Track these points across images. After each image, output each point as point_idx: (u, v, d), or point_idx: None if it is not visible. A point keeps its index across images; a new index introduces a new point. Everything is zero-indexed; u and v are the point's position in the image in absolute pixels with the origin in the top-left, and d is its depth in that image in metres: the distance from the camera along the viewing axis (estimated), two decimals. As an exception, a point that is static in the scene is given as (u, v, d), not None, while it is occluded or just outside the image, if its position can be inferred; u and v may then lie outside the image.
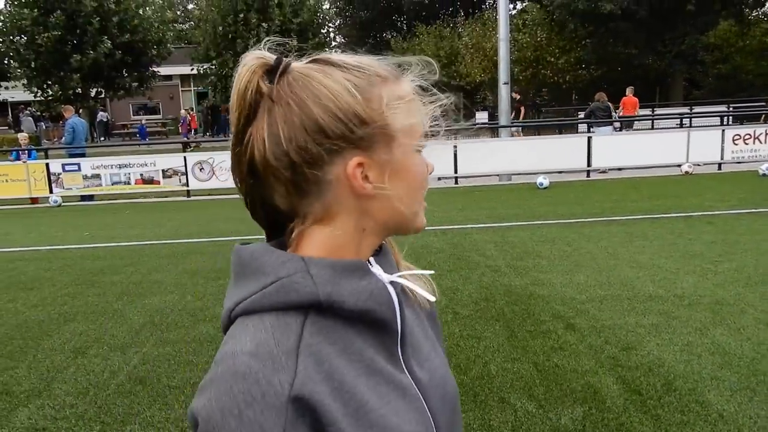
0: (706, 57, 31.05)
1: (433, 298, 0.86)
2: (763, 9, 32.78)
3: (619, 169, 13.65)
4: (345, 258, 0.78)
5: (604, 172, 13.70)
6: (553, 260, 6.59)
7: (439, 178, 13.12)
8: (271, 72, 0.76)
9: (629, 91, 18.50)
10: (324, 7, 34.10)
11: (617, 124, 16.13)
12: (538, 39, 27.33)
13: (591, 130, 14.35)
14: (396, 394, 0.78)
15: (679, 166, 13.16)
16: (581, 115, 18.72)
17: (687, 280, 5.72)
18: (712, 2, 27.88)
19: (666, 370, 3.97)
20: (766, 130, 13.66)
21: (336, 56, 0.78)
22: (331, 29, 37.89)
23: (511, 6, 38.61)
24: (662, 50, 28.23)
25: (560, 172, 13.39)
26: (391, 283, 0.81)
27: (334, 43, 38.93)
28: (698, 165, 13.27)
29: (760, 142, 13.38)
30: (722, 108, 23.67)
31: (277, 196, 0.78)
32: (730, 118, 19.97)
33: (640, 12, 26.86)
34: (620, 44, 29.24)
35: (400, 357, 0.81)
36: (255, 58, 0.77)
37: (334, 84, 0.74)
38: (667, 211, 8.97)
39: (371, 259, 0.83)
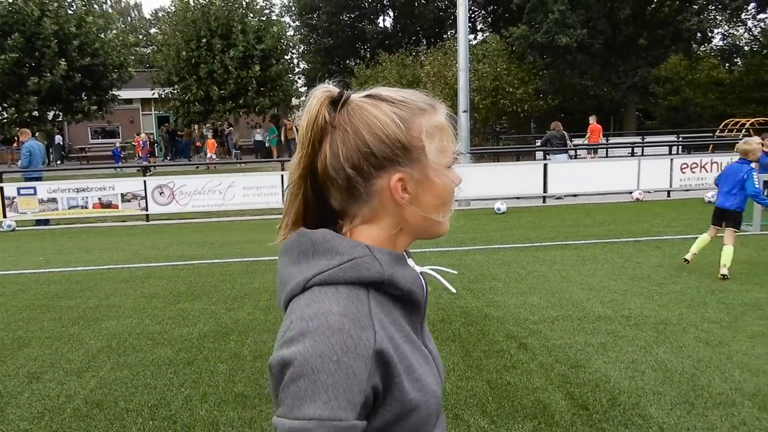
0: (658, 89, 32.29)
1: (453, 290, 1.12)
2: (710, 45, 34.33)
3: (574, 195, 14.07)
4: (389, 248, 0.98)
5: (559, 198, 14.09)
6: (508, 283, 6.79)
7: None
8: (335, 103, 0.95)
9: (593, 119, 19.90)
10: (288, 33, 34.40)
11: (572, 152, 16.65)
12: (498, 69, 28.02)
13: (547, 157, 14.76)
14: (424, 360, 0.98)
15: (631, 193, 13.63)
16: (539, 142, 19.25)
17: (634, 302, 5.96)
18: (662, 37, 29.13)
19: (612, 386, 4.15)
20: (711, 159, 14.28)
21: (386, 91, 0.98)
22: (294, 56, 38.19)
23: (472, 36, 39.60)
24: (616, 82, 29.25)
25: (517, 198, 13.74)
26: (420, 273, 1.03)
27: (297, 69, 39.23)
28: (648, 192, 13.77)
29: (707, 171, 13.97)
30: (672, 138, 24.60)
31: (332, 199, 0.98)
32: (679, 147, 20.77)
33: (595, 45, 27.87)
34: (576, 75, 30.20)
35: (420, 333, 1.02)
36: (323, 90, 0.97)
37: (383, 116, 0.94)
38: (618, 236, 9.30)
39: (405, 252, 1.04)
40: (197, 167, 24.31)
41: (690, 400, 3.90)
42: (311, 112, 0.94)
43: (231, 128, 30.17)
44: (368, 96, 0.97)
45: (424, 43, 38.16)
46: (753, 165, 6.88)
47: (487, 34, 37.74)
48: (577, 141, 20.42)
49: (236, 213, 13.49)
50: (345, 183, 0.94)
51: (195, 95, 27.71)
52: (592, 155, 20.38)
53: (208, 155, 26.28)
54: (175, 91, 29.07)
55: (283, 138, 28.24)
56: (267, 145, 28.99)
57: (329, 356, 0.83)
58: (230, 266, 8.25)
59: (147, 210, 13.39)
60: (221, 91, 27.54)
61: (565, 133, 15.48)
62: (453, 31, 39.02)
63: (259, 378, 4.50)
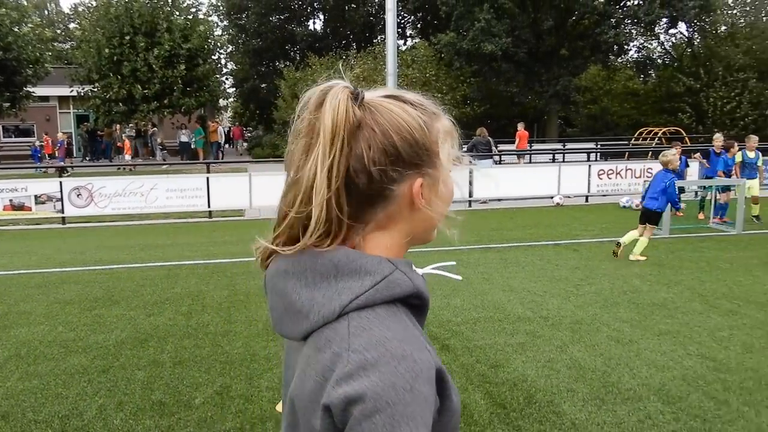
0: (578, 98, 33.59)
1: (459, 278, 1.14)
2: (626, 57, 36.04)
3: (499, 199, 14.44)
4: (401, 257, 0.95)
5: (484, 202, 14.43)
6: (432, 285, 6.88)
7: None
8: (355, 100, 0.89)
9: (521, 126, 21.35)
10: (216, 33, 33.69)
11: (497, 157, 17.08)
12: (427, 75, 28.43)
13: (472, 162, 15.05)
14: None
15: (552, 197, 14.12)
16: (464, 148, 19.61)
17: (552, 302, 6.19)
18: (582, 48, 30.33)
19: (528, 384, 4.29)
20: (626, 166, 14.98)
21: (403, 93, 0.95)
22: (222, 56, 37.44)
23: (401, 42, 39.98)
24: (540, 90, 30.23)
25: (444, 203, 13.96)
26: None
27: (225, 70, 38.48)
28: (568, 197, 14.31)
29: (622, 177, 14.66)
30: (591, 145, 25.63)
31: (344, 205, 0.89)
32: (597, 154, 21.70)
33: (520, 54, 28.72)
34: (502, 83, 31.02)
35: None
36: (343, 86, 0.89)
37: (411, 119, 0.90)
38: (539, 239, 9.62)
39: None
40: (119, 168, 23.46)
41: (601, 396, 4.08)
42: (339, 108, 0.87)
43: (155, 129, 29.26)
44: (390, 96, 0.93)
45: (354, 47, 38.24)
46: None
47: (416, 40, 38.22)
48: (502, 147, 20.99)
49: (159, 216, 13.11)
50: (366, 187, 0.88)
51: (117, 94, 26.69)
52: (518, 161, 21.01)
53: (125, 157, 25.34)
54: (96, 89, 27.93)
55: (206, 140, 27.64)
56: (193, 146, 28.30)
57: (402, 386, 0.79)
58: (151, 270, 8.01)
59: (63, 212, 12.80)
60: (145, 91, 26.66)
61: (490, 139, 15.87)
62: (383, 36, 39.29)
63: (179, 385, 4.40)
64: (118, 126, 29.36)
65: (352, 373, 0.79)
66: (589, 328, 5.43)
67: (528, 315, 5.78)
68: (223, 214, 13.26)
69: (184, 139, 27.89)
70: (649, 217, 8.08)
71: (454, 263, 1.15)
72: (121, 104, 27.02)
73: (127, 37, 26.34)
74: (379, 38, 39.42)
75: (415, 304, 0.92)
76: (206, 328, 5.64)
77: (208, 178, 13.25)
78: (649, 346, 4.97)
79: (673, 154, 8.17)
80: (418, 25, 41.42)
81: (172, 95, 27.33)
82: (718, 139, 11.98)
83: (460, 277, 1.11)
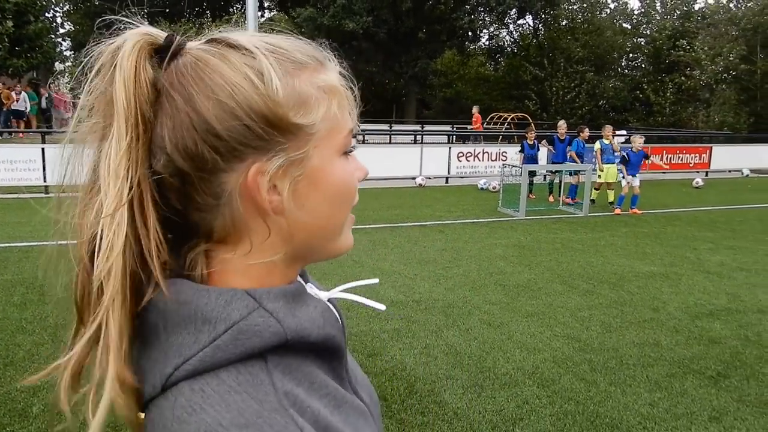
0: (435, 81, 34.55)
1: (383, 307, 0.79)
2: (478, 44, 37.59)
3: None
4: (277, 285, 0.65)
5: (347, 182, 14.31)
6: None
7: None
8: (160, 54, 0.61)
9: (475, 109, 23.45)
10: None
11: (360, 137, 17.02)
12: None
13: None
14: (363, 420, 0.69)
15: (414, 178, 14.31)
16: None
17: (423, 286, 6.16)
18: (439, 32, 31.13)
19: (408, 373, 4.18)
20: (483, 149, 15.55)
21: (239, 35, 0.63)
22: (58, 14, 33.97)
23: (259, 14, 38.72)
24: (399, 71, 30.66)
25: (307, 181, 13.66)
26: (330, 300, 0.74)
27: (61, 30, 35.04)
28: (429, 178, 14.58)
29: (479, 160, 15.19)
30: (447, 128, 26.45)
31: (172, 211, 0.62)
32: (454, 137, 22.41)
33: (380, 34, 28.86)
34: (362, 62, 31.04)
35: (347, 380, 0.72)
36: (139, 34, 0.61)
37: (232, 72, 0.59)
38: (405, 221, 9.64)
39: (298, 278, 0.71)
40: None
41: (479, 383, 4.07)
42: (127, 69, 0.59)
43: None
44: (211, 41, 0.63)
45: (209, 15, 36.41)
46: None
47: (274, 12, 37.18)
48: (364, 127, 20.97)
49: (-17, 191, 11.54)
50: (178, 182, 0.60)
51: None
52: (475, 141, 20.95)
53: None
54: None
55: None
56: (27, 112, 25.41)
57: None
58: (-26, 255, 6.96)
59: None
60: (-37, 47, 23.49)
61: (353, 117, 15.76)
62: (239, 6, 37.76)
63: (11, 390, 3.78)
64: (-71, 86, 25.61)
65: None
66: (461, 311, 5.44)
67: (401, 299, 5.70)
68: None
69: (18, 106, 24.80)
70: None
71: (377, 281, 0.88)
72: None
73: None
74: (235, 8, 37.86)
75: (301, 349, 0.64)
76: (45, 321, 4.95)
77: (43, 149, 11.86)
78: (519, 328, 5.07)
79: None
80: (277, -3, 40.29)
81: (-2, 54, 24.31)
82: (562, 126, 12.72)
83: (383, 307, 0.80)
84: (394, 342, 4.70)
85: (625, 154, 11.10)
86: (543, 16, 34.80)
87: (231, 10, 37.86)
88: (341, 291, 0.75)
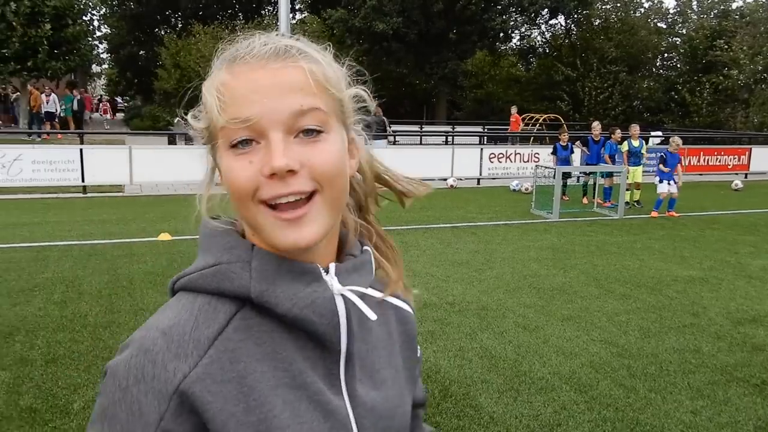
0: (465, 82, 34.35)
1: (374, 316, 0.75)
2: (509, 44, 37.29)
3: (393, 180, 14.33)
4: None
5: (378, 183, 14.28)
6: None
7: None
8: None
9: (514, 109, 22.92)
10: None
11: (391, 138, 17.00)
12: (332, 52, 27.86)
13: (367, 142, 14.86)
14: (316, 414, 0.71)
15: (445, 179, 14.24)
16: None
17: (456, 288, 6.11)
18: (470, 33, 30.95)
19: (443, 376, 4.14)
20: (515, 151, 15.41)
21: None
22: (95, 17, 34.62)
23: (291, 15, 38.99)
24: (429, 72, 30.56)
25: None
26: (344, 296, 0.75)
27: (98, 33, 35.71)
28: (461, 179, 14.50)
29: (511, 161, 15.05)
30: (478, 129, 26.28)
31: None
32: (485, 138, 22.25)
33: (410, 35, 28.81)
34: (393, 63, 31.02)
35: (342, 377, 0.75)
36: None
37: None
38: (436, 222, 9.59)
39: (332, 265, 0.75)
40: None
41: (515, 387, 4.01)
42: None
43: (18, 93, 26.54)
44: None
45: (241, 17, 36.75)
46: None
47: (305, 14, 37.39)
48: (395, 128, 20.96)
49: (23, 190, 11.80)
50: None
51: (-27, 52, 23.89)
52: (508, 142, 20.76)
53: None
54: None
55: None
56: (62, 114, 25.96)
57: (120, 381, 0.65)
58: (16, 252, 7.12)
59: None
60: (3, 50, 24.06)
61: (385, 118, 15.73)
62: (270, 8, 38.05)
63: (53, 387, 3.85)
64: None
65: (123, 344, 0.70)
66: (495, 314, 5.39)
67: (434, 301, 5.66)
68: (99, 189, 12.15)
69: (49, 108, 25.37)
70: None
71: (411, 310, 0.92)
72: (-27, 64, 24.22)
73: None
74: (266, 10, 38.17)
75: (282, 319, 0.71)
76: (84, 319, 5.04)
77: (81, 150, 12.09)
78: (555, 332, 4.99)
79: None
80: (308, -1, 40.53)
81: (37, 57, 24.88)
82: (596, 127, 12.52)
83: (374, 317, 0.75)
84: (428, 344, 4.66)
85: (663, 153, 10.87)
86: (575, 15, 34.35)
87: (263, 12, 38.19)
88: (349, 289, 0.75)
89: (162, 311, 0.72)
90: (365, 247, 0.82)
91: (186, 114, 0.77)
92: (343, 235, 0.82)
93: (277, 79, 0.68)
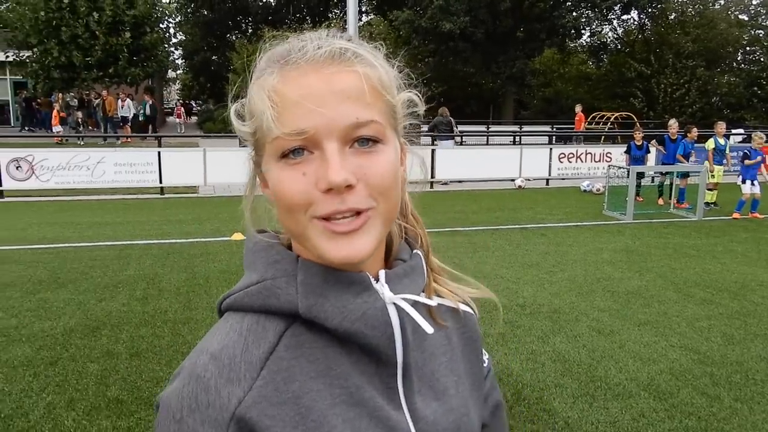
0: (533, 81, 33.78)
1: (430, 330, 0.72)
2: (579, 41, 36.40)
3: (460, 181, 14.27)
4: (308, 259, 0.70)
5: (445, 183, 14.24)
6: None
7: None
8: None
9: (578, 108, 22.29)
10: (164, 1, 32.33)
11: (458, 138, 16.90)
12: (384, 52, 28.00)
13: (434, 143, 14.86)
14: (377, 431, 0.68)
15: (513, 180, 14.04)
16: (425, 128, 19.39)
17: (527, 290, 6.02)
18: (538, 31, 30.41)
19: (515, 379, 4.09)
20: (586, 150, 15.02)
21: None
22: (171, 25, 35.99)
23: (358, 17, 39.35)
24: (496, 71, 30.23)
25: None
26: (397, 305, 0.71)
27: (174, 40, 37.09)
28: (529, 180, 14.26)
29: (581, 161, 14.68)
30: (546, 128, 25.78)
31: None
32: (553, 137, 21.80)
33: (477, 34, 28.57)
34: (459, 63, 30.86)
35: (400, 390, 0.72)
36: None
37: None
38: (505, 223, 9.47)
39: (381, 273, 0.72)
40: (63, 140, 22.24)
41: (590, 392, 3.91)
42: None
43: (99, 99, 27.88)
44: None
45: (309, 21, 37.39)
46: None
47: (371, 16, 37.67)
48: (461, 128, 20.82)
49: (107, 191, 12.40)
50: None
51: (57, 60, 25.23)
52: (577, 142, 20.37)
53: (53, 128, 23.66)
54: (33, 55, 26.35)
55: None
56: (141, 119, 27.11)
57: (174, 413, 0.63)
58: (101, 250, 7.49)
59: (1, 185, 11.96)
60: (87, 58, 25.31)
61: (452, 119, 15.66)
62: (338, 11, 38.54)
63: (137, 379, 4.02)
64: (59, 95, 27.87)
65: (174, 374, 0.68)
66: (568, 317, 5.27)
67: (504, 303, 5.59)
68: (175, 190, 12.64)
69: (123, 112, 26.42)
70: None
71: (476, 314, 0.87)
72: (60, 72, 25.59)
73: (66, 0, 24.88)
74: (334, 13, 38.67)
75: (341, 336, 0.68)
76: (165, 315, 5.24)
77: (159, 152, 12.60)
78: (632, 337, 4.84)
79: None
80: (374, 1, 40.82)
81: (118, 64, 26.07)
82: (673, 125, 12.05)
83: (431, 329, 0.72)
84: (499, 347, 4.61)
85: (746, 151, 10.35)
86: (650, 10, 33.21)
87: (330, 15, 38.72)
88: (402, 297, 0.70)
89: (210, 334, 0.69)
90: (415, 251, 0.78)
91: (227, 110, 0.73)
92: (390, 239, 0.78)
93: (333, 86, 0.64)
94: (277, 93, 0.65)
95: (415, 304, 0.72)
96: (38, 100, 29.03)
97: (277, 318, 0.68)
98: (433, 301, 0.78)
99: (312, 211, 0.64)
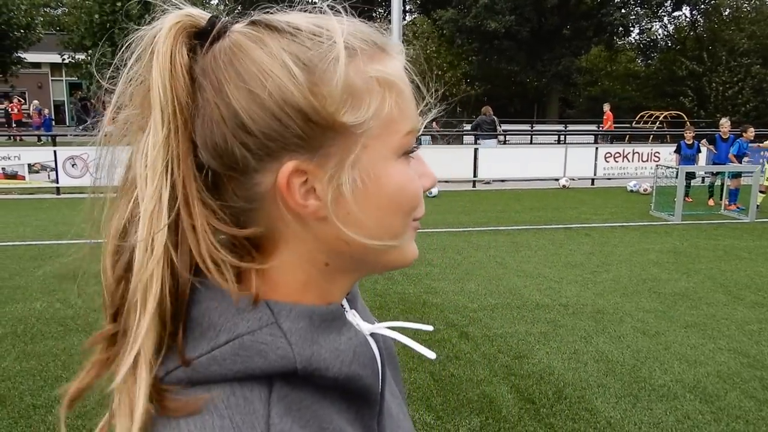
0: (579, 79, 33.23)
1: (432, 355, 0.63)
2: (627, 38, 35.63)
3: (502, 180, 14.18)
4: (311, 303, 0.56)
5: (488, 182, 14.18)
6: (444, 268, 6.66)
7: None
8: (203, 38, 0.54)
9: (607, 107, 22.15)
10: (212, 3, 32.98)
11: (501, 137, 16.79)
12: (428, 51, 27.99)
13: (477, 142, 14.80)
14: None
15: (557, 179, 13.87)
16: (467, 127, 19.33)
17: (570, 289, 5.97)
18: (586, 29, 29.92)
19: (556, 378, 4.07)
20: (633, 150, 14.74)
21: (288, 17, 0.54)
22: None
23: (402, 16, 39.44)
24: (541, 69, 29.86)
25: (447, 182, 13.71)
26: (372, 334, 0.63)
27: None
28: (573, 179, 14.07)
29: (628, 161, 14.41)
30: (592, 127, 25.35)
31: None
32: (599, 137, 21.42)
33: (522, 32, 28.27)
34: (503, 61, 30.59)
35: (378, 421, 0.63)
36: (181, 15, 0.54)
37: (267, 58, 0.51)
38: (548, 222, 9.38)
39: (344, 301, 0.63)
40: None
41: (634, 393, 3.88)
42: (161, 54, 0.52)
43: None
44: (252, 23, 0.54)
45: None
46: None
47: (415, 15, 37.65)
48: (505, 127, 20.68)
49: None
50: (212, 182, 0.54)
51: (111, 62, 26.02)
52: (601, 142, 20.11)
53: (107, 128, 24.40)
54: (88, 57, 27.26)
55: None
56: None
57: None
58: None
59: (57, 182, 12.44)
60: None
61: (495, 118, 15.57)
62: (382, 10, 38.71)
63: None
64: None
65: None
66: (612, 317, 5.21)
67: (546, 302, 5.56)
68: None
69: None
70: None
71: (431, 328, 0.70)
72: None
73: (119, 3, 25.65)
74: (377, 12, 38.86)
75: (329, 386, 0.55)
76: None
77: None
78: (677, 339, 4.76)
79: None
80: (418, 0, 40.81)
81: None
82: (725, 124, 11.71)
83: (433, 355, 0.64)
84: (541, 345, 4.60)
85: None
86: (702, 6, 32.31)
87: (374, 14, 38.89)
88: (387, 327, 0.64)
89: (168, 428, 0.49)
90: None
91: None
92: None
93: None
94: (403, 81, 0.56)
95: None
96: (92, 101, 30.00)
97: (253, 384, 0.52)
98: (428, 326, 0.69)
99: (417, 212, 0.58)
